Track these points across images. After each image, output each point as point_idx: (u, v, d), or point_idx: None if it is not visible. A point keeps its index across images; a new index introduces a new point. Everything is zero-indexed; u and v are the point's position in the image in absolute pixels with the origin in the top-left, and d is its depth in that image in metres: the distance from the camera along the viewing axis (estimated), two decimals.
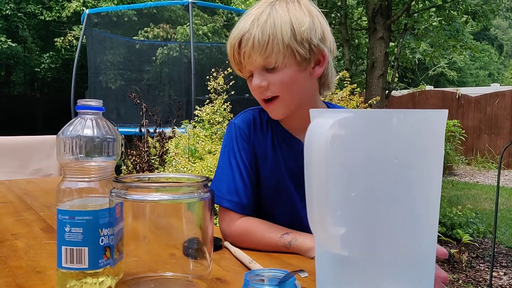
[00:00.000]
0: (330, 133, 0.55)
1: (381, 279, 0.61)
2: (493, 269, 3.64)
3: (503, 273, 3.69)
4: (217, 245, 1.09)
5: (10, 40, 12.47)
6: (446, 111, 0.63)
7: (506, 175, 9.19)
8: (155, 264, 0.81)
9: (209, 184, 0.82)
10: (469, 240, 4.11)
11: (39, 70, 13.75)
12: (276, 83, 1.11)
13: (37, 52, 14.02)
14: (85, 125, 0.82)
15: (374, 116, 0.61)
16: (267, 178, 1.21)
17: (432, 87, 14.81)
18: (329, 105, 1.29)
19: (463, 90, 11.15)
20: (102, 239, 0.81)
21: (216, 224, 1.36)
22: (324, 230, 0.56)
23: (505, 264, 3.89)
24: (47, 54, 13.49)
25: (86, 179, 0.81)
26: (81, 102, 0.84)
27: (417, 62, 12.96)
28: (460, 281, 3.44)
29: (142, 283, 0.80)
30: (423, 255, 0.64)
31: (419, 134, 0.61)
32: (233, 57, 1.14)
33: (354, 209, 0.60)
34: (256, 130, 1.22)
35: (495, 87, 11.48)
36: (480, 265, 3.85)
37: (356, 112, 0.59)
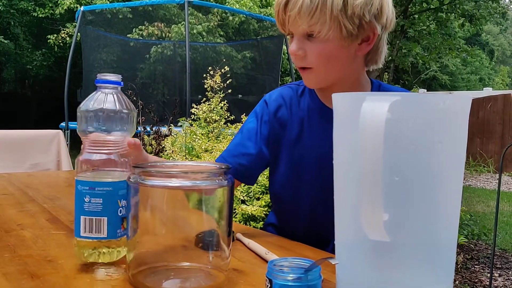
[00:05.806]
0: (385, 118, 0.54)
1: (422, 264, 0.61)
2: (488, 271, 3.65)
3: (497, 275, 3.71)
4: None
5: (2, 36, 12.33)
6: (471, 96, 0.64)
7: (497, 179, 9.26)
8: (173, 253, 0.79)
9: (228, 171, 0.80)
10: (464, 241, 4.12)
11: (31, 67, 13.60)
12: (313, 54, 1.05)
13: (29, 49, 13.86)
14: (106, 99, 0.83)
15: (422, 100, 0.60)
16: (288, 154, 1.18)
17: (425, 90, 14.90)
18: (374, 82, 1.20)
19: (456, 94, 11.20)
20: (120, 210, 0.82)
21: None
22: (375, 216, 0.55)
23: (500, 266, 3.91)
24: (40, 52, 13.35)
25: (105, 151, 0.83)
26: (100, 76, 0.85)
27: (410, 65, 13.01)
28: (457, 282, 3.44)
29: (160, 272, 0.78)
30: (453, 236, 0.64)
31: (457, 118, 0.61)
32: (277, 16, 1.08)
33: (397, 193, 0.59)
34: (287, 107, 1.19)
35: (487, 91, 11.55)
36: (475, 266, 3.86)
37: (404, 95, 0.58)
